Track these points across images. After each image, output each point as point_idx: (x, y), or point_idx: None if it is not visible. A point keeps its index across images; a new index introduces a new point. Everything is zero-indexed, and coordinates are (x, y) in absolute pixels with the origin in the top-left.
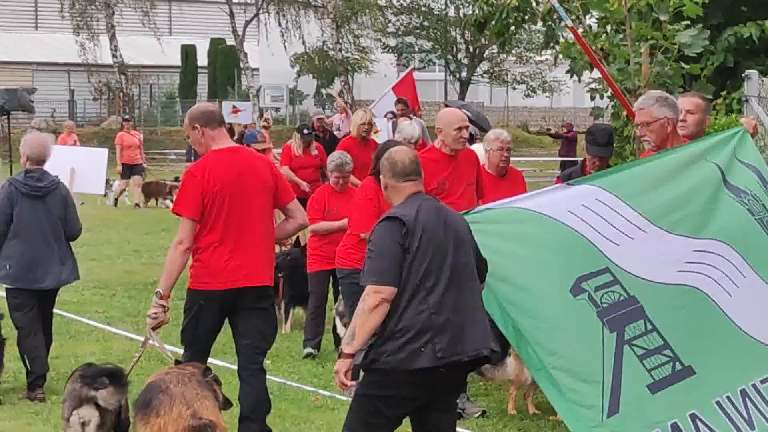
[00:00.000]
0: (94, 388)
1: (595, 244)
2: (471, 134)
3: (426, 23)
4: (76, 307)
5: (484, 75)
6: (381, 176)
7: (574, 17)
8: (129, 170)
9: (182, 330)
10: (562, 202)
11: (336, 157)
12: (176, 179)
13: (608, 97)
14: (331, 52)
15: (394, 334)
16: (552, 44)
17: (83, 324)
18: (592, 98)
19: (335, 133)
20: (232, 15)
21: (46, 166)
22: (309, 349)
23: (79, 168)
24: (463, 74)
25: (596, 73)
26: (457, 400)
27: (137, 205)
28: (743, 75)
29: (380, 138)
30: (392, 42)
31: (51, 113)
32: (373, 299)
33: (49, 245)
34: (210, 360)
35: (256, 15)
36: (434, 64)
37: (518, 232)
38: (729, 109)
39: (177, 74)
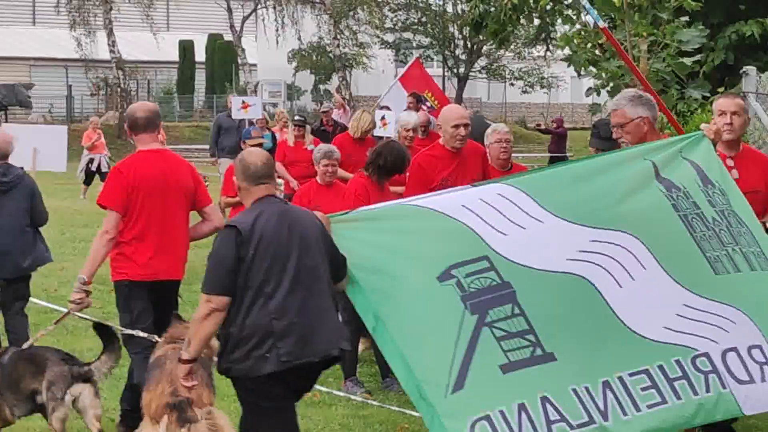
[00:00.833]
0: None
1: (479, 234)
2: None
3: (424, 19)
4: None
5: (482, 71)
6: (234, 178)
7: (574, 13)
8: None
9: (120, 318)
10: (459, 199)
11: (321, 146)
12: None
13: (607, 92)
14: (328, 48)
15: (239, 341)
16: (543, 38)
17: (81, 320)
18: (588, 95)
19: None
20: (229, 10)
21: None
22: None
23: (41, 147)
24: (461, 70)
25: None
26: None
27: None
28: (741, 71)
29: (388, 130)
30: (390, 38)
31: (48, 108)
32: (205, 308)
33: (14, 237)
34: None
35: (254, 11)
36: (432, 60)
37: (399, 226)
38: None
39: (174, 70)
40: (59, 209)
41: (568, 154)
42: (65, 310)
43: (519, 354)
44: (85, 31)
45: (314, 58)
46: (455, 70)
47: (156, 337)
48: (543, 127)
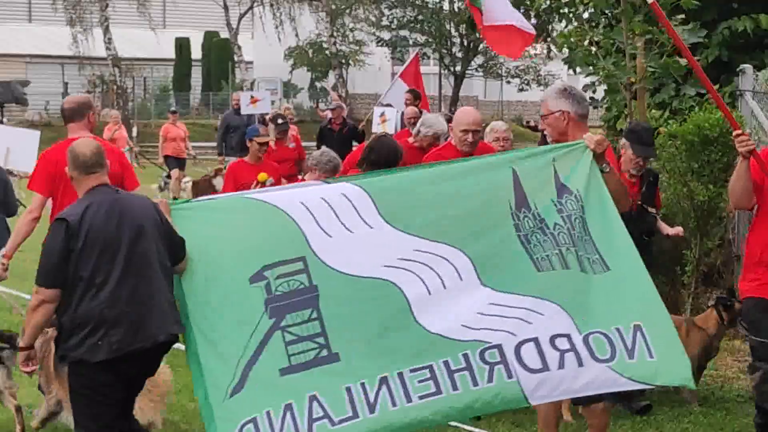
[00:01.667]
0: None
1: (305, 233)
2: None
3: (420, 17)
4: None
5: (479, 69)
6: (66, 169)
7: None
8: (176, 163)
9: None
10: (300, 195)
11: (325, 153)
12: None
13: (604, 90)
14: (325, 45)
15: (74, 329)
16: (543, 37)
17: None
18: (584, 91)
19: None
20: (226, 8)
21: None
22: None
23: (14, 147)
24: (458, 68)
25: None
26: None
27: (175, 199)
28: (738, 69)
29: (388, 127)
30: (386, 35)
31: (44, 106)
32: (34, 300)
33: None
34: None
35: (251, 8)
36: (428, 57)
37: (228, 219)
38: None
39: (171, 67)
40: None
41: None
42: None
43: (303, 357)
44: (81, 28)
45: (311, 55)
46: (452, 68)
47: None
48: (533, 124)
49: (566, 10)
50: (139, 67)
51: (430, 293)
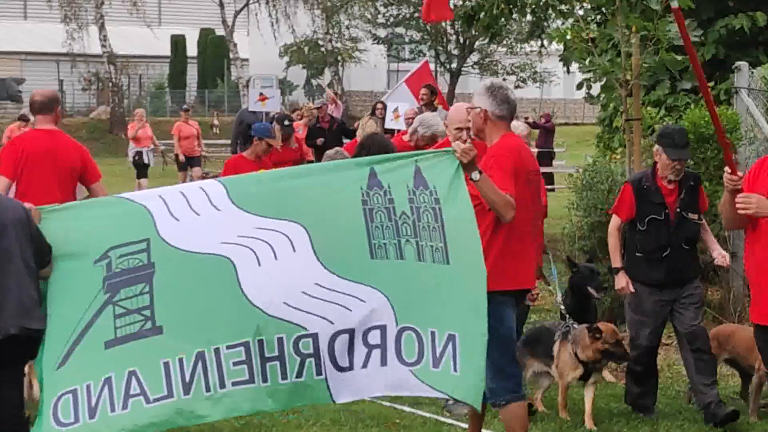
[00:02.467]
0: None
1: (154, 217)
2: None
3: (416, 14)
4: None
5: (475, 66)
6: None
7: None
8: (187, 162)
9: None
10: (161, 190)
11: (339, 152)
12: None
13: (601, 86)
14: (321, 43)
15: None
16: (538, 34)
17: None
18: (579, 88)
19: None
20: (221, 5)
21: None
22: None
23: None
24: (453, 65)
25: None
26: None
27: None
28: (733, 66)
29: (400, 123)
30: (382, 33)
31: None
32: None
33: None
34: None
35: (246, 5)
36: (424, 55)
37: (92, 214)
38: (717, 100)
39: (166, 64)
40: None
41: (556, 150)
42: None
43: (128, 329)
44: (76, 26)
45: (306, 52)
46: (447, 66)
47: None
48: (531, 120)
49: (561, 7)
50: (135, 64)
51: (260, 264)
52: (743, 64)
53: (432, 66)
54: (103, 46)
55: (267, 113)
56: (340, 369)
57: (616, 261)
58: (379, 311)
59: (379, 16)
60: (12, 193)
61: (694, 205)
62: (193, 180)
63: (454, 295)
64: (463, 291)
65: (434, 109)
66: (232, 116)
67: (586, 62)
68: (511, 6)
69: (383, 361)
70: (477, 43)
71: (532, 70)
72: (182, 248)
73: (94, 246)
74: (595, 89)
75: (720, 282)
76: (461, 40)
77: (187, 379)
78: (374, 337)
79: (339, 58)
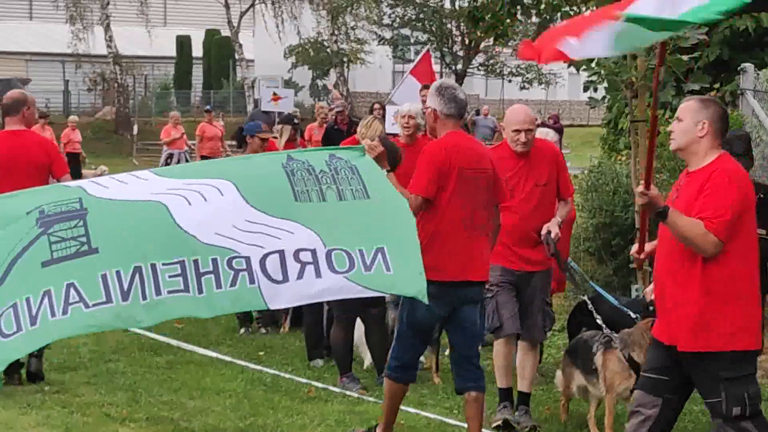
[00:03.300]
0: None
1: (84, 188)
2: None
3: (421, 15)
4: None
5: (480, 67)
6: None
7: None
8: None
9: None
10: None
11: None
12: None
13: (605, 89)
14: (326, 44)
15: None
16: None
17: None
18: (586, 89)
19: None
20: (227, 6)
21: None
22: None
23: None
24: (459, 66)
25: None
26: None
27: None
28: (738, 68)
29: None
30: (387, 34)
31: (45, 104)
32: None
33: None
34: (203, 351)
35: (252, 6)
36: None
37: (25, 192)
38: (722, 102)
39: (172, 65)
40: None
41: (563, 151)
42: None
43: (64, 252)
44: (82, 26)
45: (312, 53)
46: (453, 67)
47: None
48: (539, 122)
49: (568, 9)
50: (140, 64)
51: (190, 204)
52: (749, 66)
53: (437, 67)
54: (108, 46)
55: (280, 113)
56: (273, 281)
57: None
58: (307, 240)
59: (385, 17)
60: None
61: (763, 220)
62: None
63: (377, 218)
64: (386, 213)
65: None
66: (237, 117)
67: (592, 65)
68: (516, 6)
69: (317, 274)
70: (482, 44)
71: (538, 71)
72: (114, 198)
73: (27, 204)
74: (600, 92)
75: None
76: (466, 42)
77: (125, 288)
78: (306, 256)
79: (344, 59)
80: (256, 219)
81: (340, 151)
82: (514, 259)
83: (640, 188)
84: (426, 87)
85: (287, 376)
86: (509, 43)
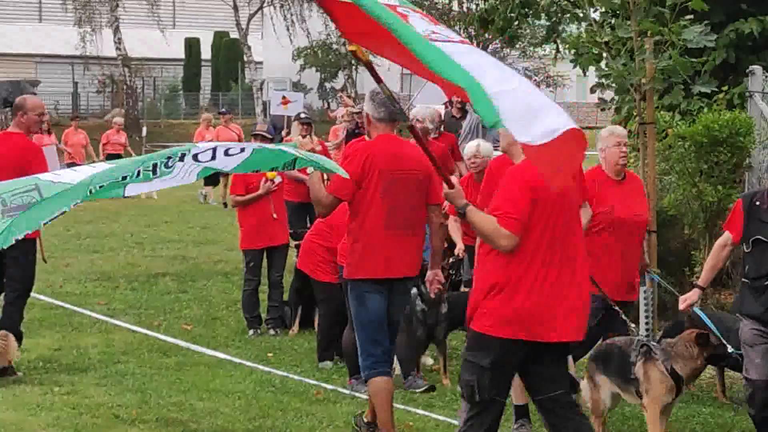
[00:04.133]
0: None
1: (39, 176)
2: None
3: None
4: (79, 299)
5: None
6: None
7: (580, 12)
8: None
9: None
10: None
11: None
12: None
13: (615, 89)
14: (334, 46)
15: None
16: (554, 39)
17: (86, 316)
18: (593, 91)
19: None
20: (236, 8)
21: None
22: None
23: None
24: None
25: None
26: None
27: (225, 204)
28: (746, 71)
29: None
30: None
31: (54, 106)
32: None
33: None
34: (212, 352)
35: (260, 8)
36: None
37: None
38: (730, 104)
39: (180, 67)
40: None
41: None
42: (70, 306)
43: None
44: (90, 28)
45: (320, 55)
46: None
47: None
48: None
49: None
50: (149, 67)
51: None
52: (757, 68)
53: None
54: (117, 48)
55: (290, 117)
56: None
57: (702, 278)
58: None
59: None
60: None
61: None
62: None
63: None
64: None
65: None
66: (246, 119)
67: (602, 65)
68: (526, 9)
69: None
70: (490, 46)
71: (545, 73)
72: (72, 182)
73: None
74: (608, 94)
75: (733, 286)
76: (475, 44)
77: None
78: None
79: (353, 61)
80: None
81: (276, 147)
82: None
83: (445, 187)
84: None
85: (296, 377)
86: (517, 45)
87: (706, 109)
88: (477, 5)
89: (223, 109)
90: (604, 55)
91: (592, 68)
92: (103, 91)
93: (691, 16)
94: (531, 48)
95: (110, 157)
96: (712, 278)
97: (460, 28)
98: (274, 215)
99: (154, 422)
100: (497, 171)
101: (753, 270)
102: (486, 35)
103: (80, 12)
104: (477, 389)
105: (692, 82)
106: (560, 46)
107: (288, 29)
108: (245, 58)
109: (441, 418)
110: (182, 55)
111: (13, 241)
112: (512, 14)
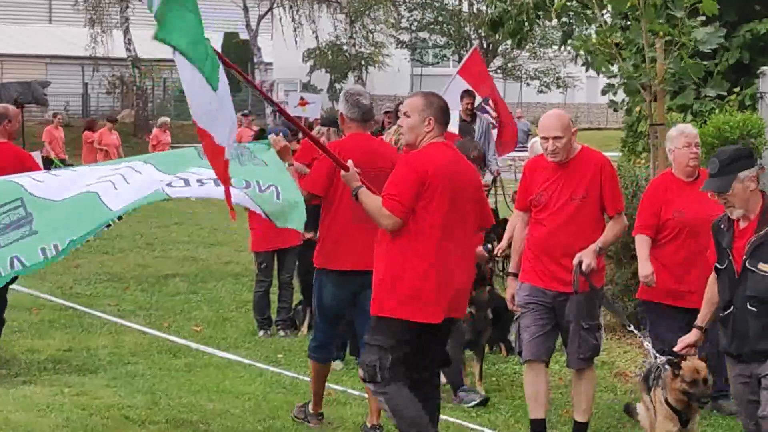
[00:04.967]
0: None
1: (23, 185)
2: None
3: (440, 19)
4: (89, 300)
5: (498, 71)
6: None
7: (590, 13)
8: None
9: None
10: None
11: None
12: None
13: (625, 92)
14: (344, 47)
15: None
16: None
17: (96, 317)
18: (604, 93)
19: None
20: (245, 9)
21: None
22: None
23: None
24: None
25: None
26: None
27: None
28: (758, 72)
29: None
30: (406, 37)
31: (64, 106)
32: None
33: None
34: (222, 354)
35: (270, 9)
36: (448, 59)
37: None
38: (742, 105)
39: None
40: None
41: None
42: (80, 307)
43: (13, 237)
44: (101, 30)
45: (330, 57)
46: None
47: None
48: None
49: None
50: (159, 68)
51: (116, 189)
52: None
53: (455, 70)
54: (127, 49)
55: (307, 118)
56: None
57: (700, 317)
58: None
59: (403, 20)
60: None
61: None
62: None
63: (274, 173)
64: (280, 179)
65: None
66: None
67: (614, 68)
68: (538, 12)
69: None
70: (500, 48)
71: (556, 74)
72: (54, 199)
73: None
74: (619, 95)
75: None
76: (484, 45)
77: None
78: (208, 178)
79: (363, 62)
80: (164, 179)
81: (248, 144)
82: (544, 276)
83: (342, 172)
84: (468, 93)
85: (306, 378)
86: (528, 46)
87: (717, 111)
88: (487, 7)
89: (245, 111)
90: (613, 52)
91: (602, 69)
92: (113, 92)
93: (703, 18)
94: (540, 49)
95: None
96: (710, 315)
97: (470, 30)
98: None
99: (164, 423)
100: (529, 171)
101: (720, 300)
102: (497, 36)
103: (90, 13)
104: (379, 369)
105: (704, 84)
106: (570, 48)
107: (295, 30)
108: (255, 59)
109: (451, 419)
110: None
111: (20, 267)
112: (525, 17)
